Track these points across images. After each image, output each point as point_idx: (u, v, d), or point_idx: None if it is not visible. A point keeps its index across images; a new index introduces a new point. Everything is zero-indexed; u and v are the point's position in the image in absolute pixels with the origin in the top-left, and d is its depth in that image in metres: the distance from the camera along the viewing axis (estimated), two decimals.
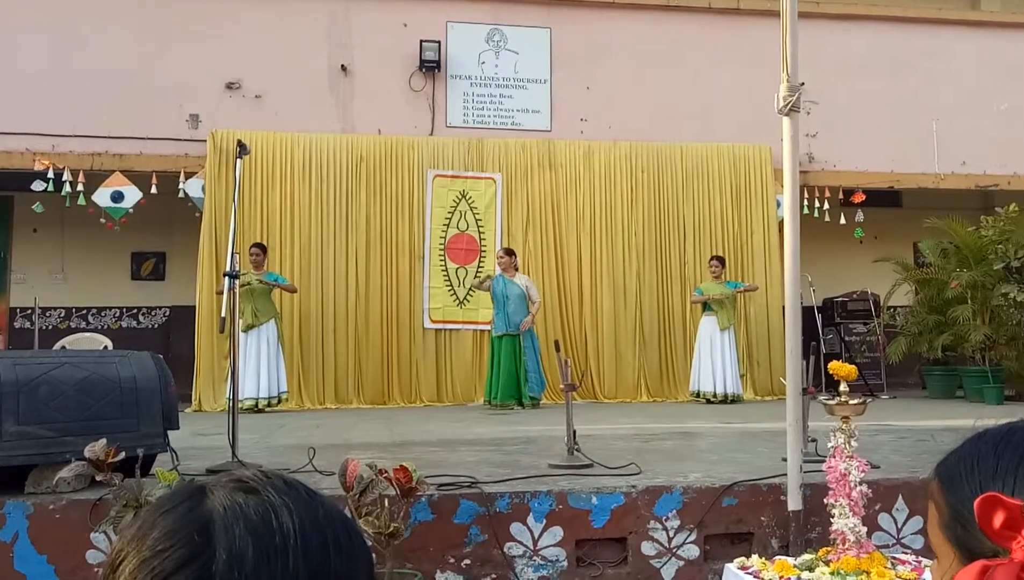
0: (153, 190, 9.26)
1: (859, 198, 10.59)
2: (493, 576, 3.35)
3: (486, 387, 8.90)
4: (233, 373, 4.35)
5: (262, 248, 8.86)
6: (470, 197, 9.99)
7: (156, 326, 11.28)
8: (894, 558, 2.97)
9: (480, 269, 9.89)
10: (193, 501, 0.65)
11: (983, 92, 10.99)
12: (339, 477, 3.04)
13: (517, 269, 9.06)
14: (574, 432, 4.09)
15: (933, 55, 11.02)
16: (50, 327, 10.78)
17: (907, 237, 11.67)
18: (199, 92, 9.65)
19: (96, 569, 3.13)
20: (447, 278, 9.85)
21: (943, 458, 0.83)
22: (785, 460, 3.46)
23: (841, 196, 10.70)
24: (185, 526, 0.62)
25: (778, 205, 10.23)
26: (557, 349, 5.00)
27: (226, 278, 4.21)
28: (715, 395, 9.12)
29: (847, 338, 11.26)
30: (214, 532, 0.62)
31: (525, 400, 8.60)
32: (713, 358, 9.22)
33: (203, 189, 9.36)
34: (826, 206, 10.47)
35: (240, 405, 4.41)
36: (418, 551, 3.29)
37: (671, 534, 3.45)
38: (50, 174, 9.08)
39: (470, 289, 9.75)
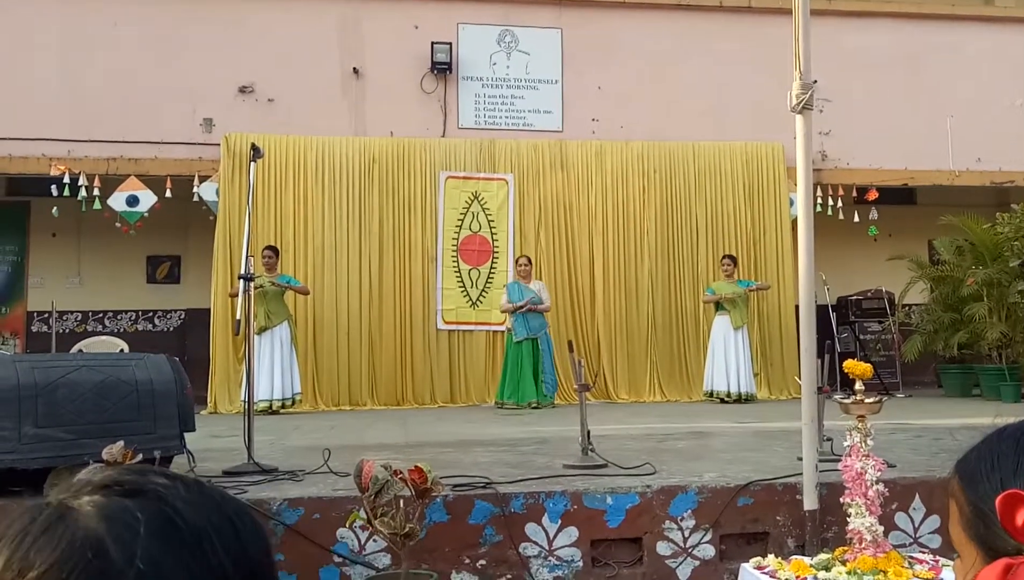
0: (168, 194, 9.32)
1: (873, 196, 10.53)
2: (508, 576, 3.36)
3: (499, 388, 8.92)
4: (248, 375, 4.37)
5: (275, 250, 8.90)
6: (482, 198, 9.99)
7: (171, 329, 11.35)
8: (911, 557, 2.95)
9: (493, 270, 9.89)
10: (63, 522, 0.56)
11: (998, 88, 10.91)
12: (354, 478, 3.05)
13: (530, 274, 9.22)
14: (588, 432, 4.09)
15: (947, 51, 10.94)
16: (67, 331, 10.86)
17: (922, 235, 11.59)
18: (212, 96, 9.70)
19: None
20: (460, 279, 9.85)
21: (963, 455, 0.83)
22: (801, 459, 3.45)
23: (855, 194, 10.64)
24: (72, 552, 0.53)
25: (791, 203, 10.19)
26: (571, 349, 5.00)
27: (241, 281, 4.23)
28: (729, 394, 9.09)
29: (862, 337, 11.19)
30: (109, 549, 0.54)
31: (543, 400, 8.71)
32: (727, 357, 9.18)
33: (217, 192, 9.41)
34: (840, 204, 10.42)
35: (255, 407, 4.43)
36: (433, 552, 3.30)
37: (686, 534, 3.45)
38: (66, 179, 9.15)
39: (482, 292, 9.78)
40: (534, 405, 8.63)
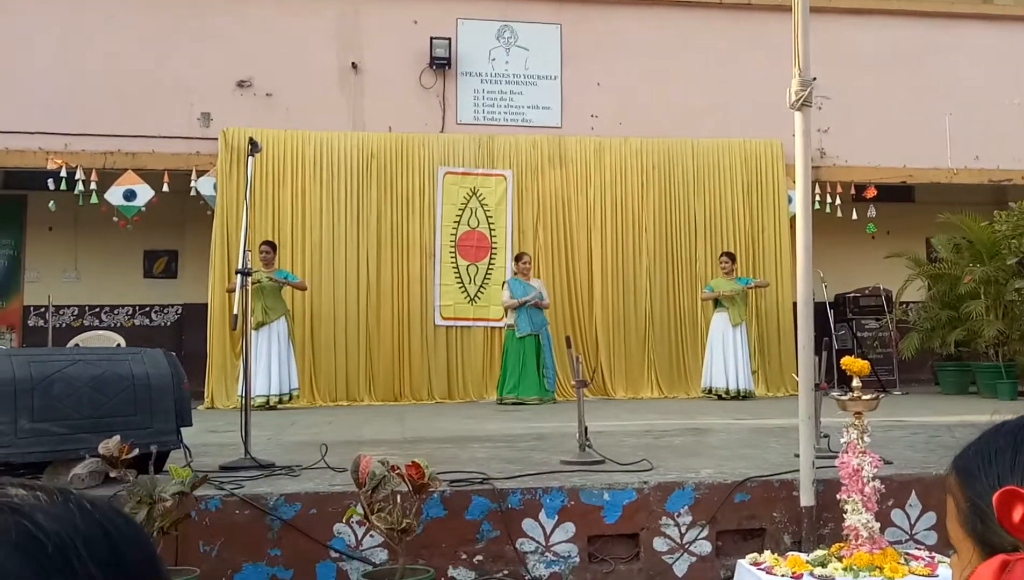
0: (165, 188, 9.30)
1: (871, 193, 10.53)
2: (505, 572, 3.36)
3: (499, 384, 8.95)
4: (245, 370, 4.36)
5: (272, 246, 8.89)
6: (481, 194, 9.98)
7: (168, 324, 11.34)
8: (907, 554, 2.95)
9: (491, 266, 9.89)
10: None
11: (996, 87, 10.91)
12: (351, 473, 3.05)
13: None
14: (586, 428, 4.09)
15: (946, 49, 10.94)
16: (63, 325, 10.85)
17: (920, 232, 11.60)
18: (210, 90, 9.68)
19: None
20: (458, 275, 9.85)
21: (961, 452, 0.82)
22: (797, 456, 3.45)
23: (853, 191, 10.64)
24: None
25: (790, 201, 10.19)
26: (568, 345, 5.00)
27: (238, 275, 4.23)
28: (727, 391, 9.10)
29: (859, 334, 11.20)
30: None
31: (545, 395, 8.84)
32: (725, 354, 9.19)
33: (215, 187, 9.39)
34: (838, 201, 10.42)
35: (251, 402, 4.43)
36: (430, 547, 3.30)
37: (683, 530, 3.45)
38: (63, 173, 9.13)
39: (480, 288, 9.79)
40: (536, 402, 8.67)
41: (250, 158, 4.44)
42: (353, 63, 10.00)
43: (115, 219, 9.40)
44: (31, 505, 0.55)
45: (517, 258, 9.35)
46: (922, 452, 4.36)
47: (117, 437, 3.20)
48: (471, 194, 9.96)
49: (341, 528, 3.28)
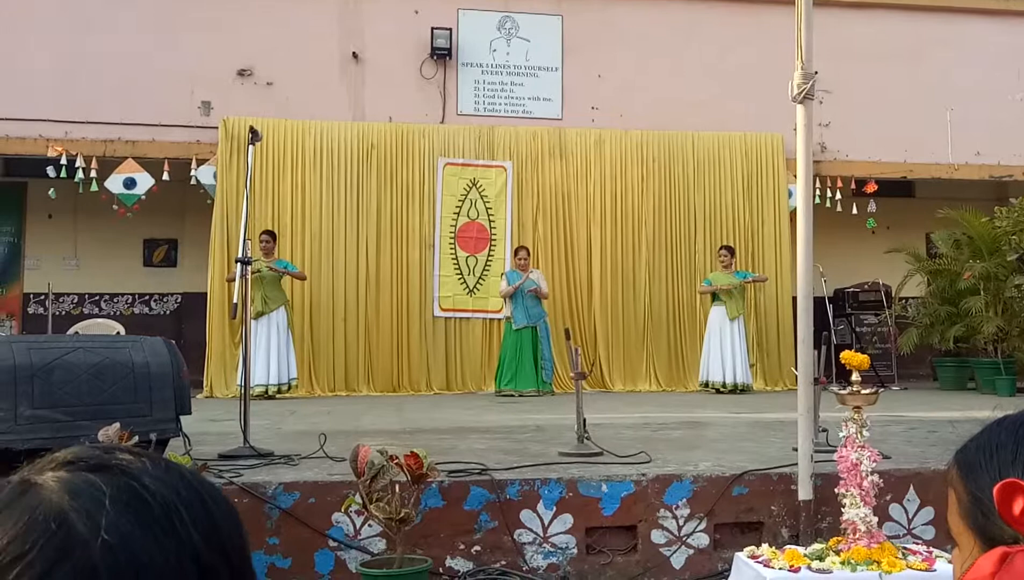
0: (165, 177, 9.28)
1: (872, 188, 10.53)
2: (503, 562, 3.37)
3: (497, 376, 8.96)
4: (245, 359, 4.37)
5: (272, 235, 8.88)
6: (480, 185, 9.97)
7: (168, 312, 11.34)
8: (905, 548, 2.96)
9: (490, 258, 9.88)
10: (26, 496, 0.56)
11: (998, 82, 10.89)
12: (350, 463, 3.06)
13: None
14: (584, 420, 4.10)
15: (947, 44, 10.91)
16: (63, 313, 10.84)
17: (920, 227, 11.59)
18: (211, 79, 9.65)
19: None
20: (457, 267, 9.84)
21: (963, 445, 0.83)
22: (796, 450, 3.46)
23: (853, 186, 10.64)
24: (35, 524, 0.53)
25: (790, 195, 10.18)
26: (567, 337, 5.00)
27: (238, 264, 4.23)
28: (724, 385, 9.11)
29: (858, 329, 11.21)
30: (73, 522, 0.53)
31: (542, 387, 8.82)
32: (723, 348, 9.20)
33: (215, 176, 9.38)
34: (838, 196, 10.41)
35: (251, 391, 4.44)
36: (428, 537, 3.31)
37: (681, 523, 3.46)
38: (63, 161, 9.12)
39: (479, 280, 9.78)
40: (535, 394, 8.67)
41: (250, 147, 4.43)
42: (354, 53, 9.97)
43: (115, 207, 9.38)
44: (139, 469, 0.58)
45: (515, 253, 9.34)
46: (920, 447, 4.37)
47: (116, 424, 3.21)
48: (471, 185, 9.95)
49: (339, 517, 3.29)
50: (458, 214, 9.90)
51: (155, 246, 11.37)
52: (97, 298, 11.22)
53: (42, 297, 10.66)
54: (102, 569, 0.52)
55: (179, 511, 0.57)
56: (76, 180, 9.15)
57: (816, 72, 3.40)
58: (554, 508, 3.41)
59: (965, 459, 0.81)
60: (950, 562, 0.85)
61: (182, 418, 3.86)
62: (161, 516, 0.56)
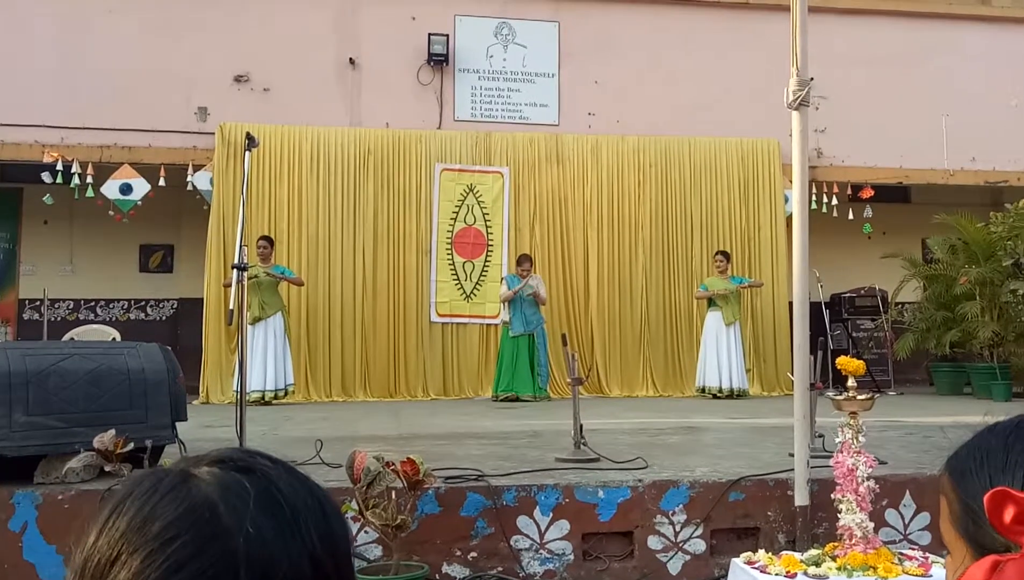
0: (161, 183, 9.28)
1: (867, 194, 10.55)
2: (499, 569, 3.36)
3: (495, 381, 8.95)
4: (241, 365, 4.36)
5: (269, 241, 8.88)
6: (477, 191, 9.98)
7: (164, 318, 11.32)
8: (901, 554, 2.96)
9: (487, 263, 9.89)
10: (187, 486, 0.64)
11: (993, 87, 10.93)
12: (346, 469, 3.05)
13: None
14: (581, 426, 4.10)
15: (943, 50, 10.95)
16: (59, 319, 10.82)
17: (916, 233, 11.62)
18: (208, 85, 9.66)
19: None
20: (454, 272, 9.85)
21: (954, 452, 0.83)
22: (792, 455, 3.46)
23: (849, 192, 10.66)
24: (191, 511, 0.61)
25: (786, 200, 10.19)
26: (564, 343, 5.00)
27: (234, 270, 4.22)
28: (721, 390, 9.11)
29: (854, 334, 11.21)
30: (222, 514, 0.62)
31: (538, 393, 8.82)
32: (719, 353, 9.20)
33: (211, 182, 9.38)
34: (834, 202, 10.43)
35: (247, 397, 4.43)
36: (425, 543, 3.30)
37: (677, 528, 3.46)
38: (59, 166, 9.11)
39: (476, 285, 9.78)
40: (531, 399, 8.68)
41: (247, 153, 4.42)
42: (351, 59, 9.98)
43: (111, 213, 9.38)
44: (276, 475, 0.67)
45: (519, 262, 9.28)
46: (916, 452, 4.37)
47: (112, 431, 3.20)
48: (468, 191, 9.96)
49: None
50: (455, 220, 9.91)
51: (151, 252, 11.36)
52: (93, 304, 11.20)
53: (38, 303, 10.63)
54: (241, 558, 0.60)
55: (304, 516, 0.65)
56: (72, 186, 9.15)
57: (812, 78, 3.41)
58: (551, 514, 3.41)
59: (956, 466, 0.81)
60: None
61: (178, 424, 3.86)
62: (291, 519, 0.64)
